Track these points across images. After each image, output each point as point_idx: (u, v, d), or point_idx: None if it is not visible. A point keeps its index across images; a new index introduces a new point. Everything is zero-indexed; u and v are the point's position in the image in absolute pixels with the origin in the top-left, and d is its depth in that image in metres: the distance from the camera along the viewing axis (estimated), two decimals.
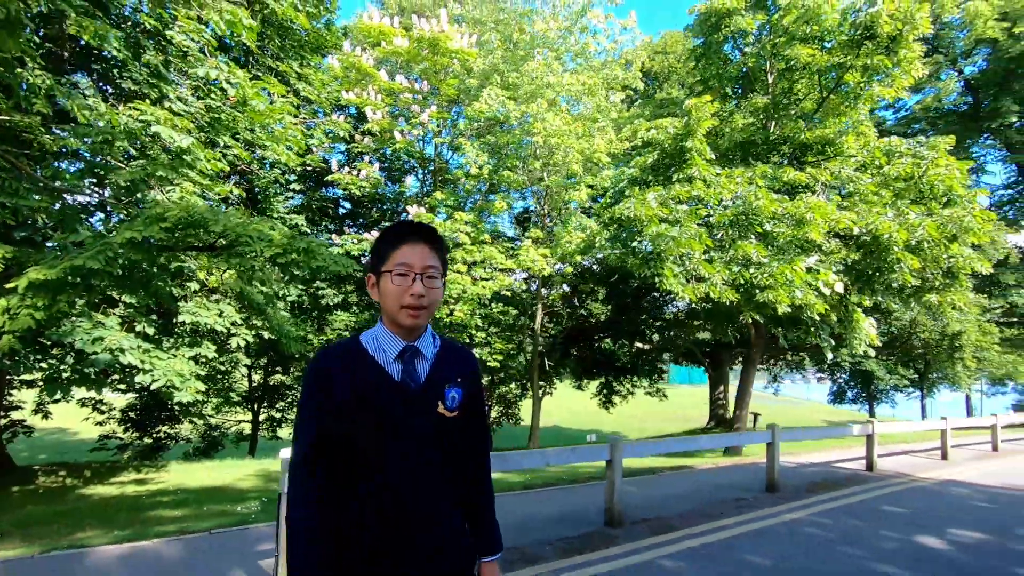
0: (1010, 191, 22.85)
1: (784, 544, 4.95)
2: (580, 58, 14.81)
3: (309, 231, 15.84)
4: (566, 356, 22.14)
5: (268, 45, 14.34)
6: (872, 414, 32.27)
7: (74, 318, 7.57)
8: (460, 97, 14.62)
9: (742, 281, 10.10)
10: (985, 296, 18.30)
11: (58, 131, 6.81)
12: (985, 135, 21.42)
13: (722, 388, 25.04)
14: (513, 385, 22.97)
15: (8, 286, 4.49)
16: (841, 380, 33.29)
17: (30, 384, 14.18)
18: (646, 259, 10.21)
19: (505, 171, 12.88)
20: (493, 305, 13.05)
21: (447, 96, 14.19)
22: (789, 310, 10.10)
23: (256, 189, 14.89)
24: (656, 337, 21.96)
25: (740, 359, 29.52)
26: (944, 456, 10.41)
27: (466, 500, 1.50)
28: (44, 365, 9.34)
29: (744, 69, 12.67)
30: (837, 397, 34.22)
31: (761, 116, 12.97)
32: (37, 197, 5.76)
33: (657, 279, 10.01)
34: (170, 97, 9.67)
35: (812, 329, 11.79)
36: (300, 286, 13.97)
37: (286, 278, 8.34)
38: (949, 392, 35.18)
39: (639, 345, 23.00)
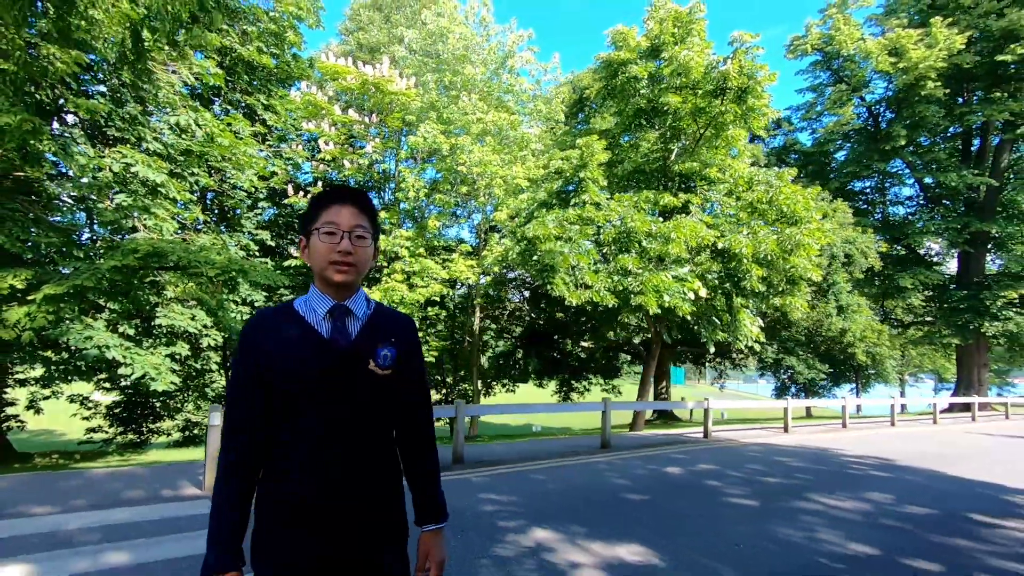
0: (912, 204, 25.46)
1: (569, 472, 7.21)
2: (509, 94, 17.08)
3: (274, 244, 17.95)
4: (528, 355, 24.32)
5: (237, 82, 16.43)
6: (808, 406, 34.80)
7: (69, 321, 9.66)
8: (406, 128, 16.84)
9: (621, 288, 12.39)
10: (867, 298, 20.78)
11: (60, 181, 8.95)
12: (892, 156, 24.00)
13: (664, 383, 27.27)
14: (479, 383, 24.99)
15: (29, 298, 6.59)
16: (785, 377, 35.88)
17: (23, 383, 16.03)
18: (542, 270, 12.48)
19: (438, 195, 15.12)
20: (429, 309, 15.23)
21: (393, 127, 16.41)
22: (659, 311, 12.39)
23: (227, 208, 16.98)
24: (610, 336, 24.13)
25: (687, 357, 32.00)
26: (785, 430, 12.75)
27: (408, 465, 1.48)
28: (45, 358, 11.43)
29: (639, 108, 14.98)
30: (780, 392, 36.79)
31: (658, 147, 15.32)
32: (49, 233, 7.90)
33: (549, 286, 12.29)
34: (147, 139, 11.80)
35: (695, 327, 14.13)
36: (264, 292, 16.06)
37: (228, 289, 10.42)
38: (883, 387, 37.92)
39: (584, 344, 25.30)
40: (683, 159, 14.53)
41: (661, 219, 13.13)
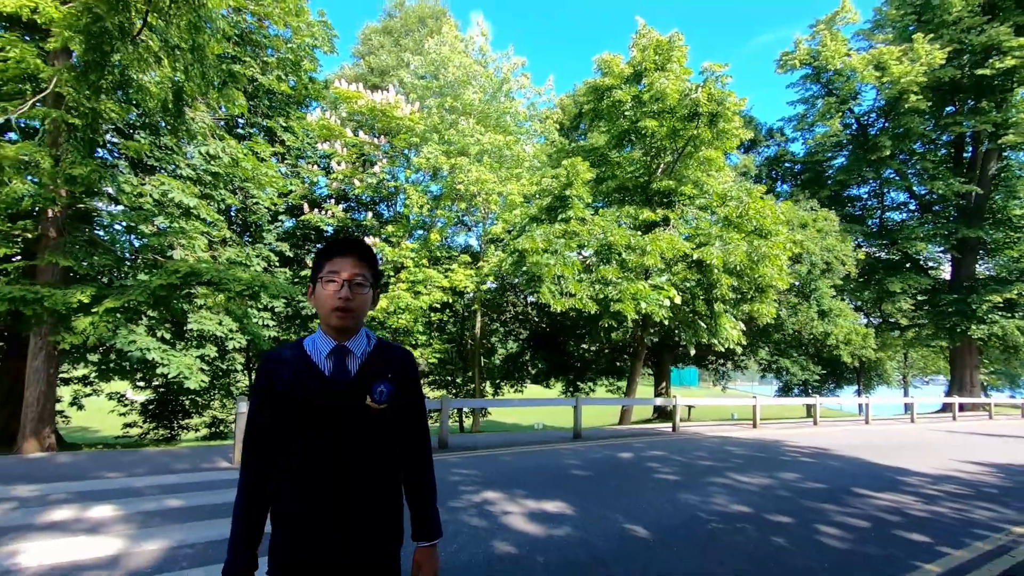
0: (907, 210, 26.27)
1: (535, 456, 8.53)
2: (508, 114, 18.47)
3: (292, 255, 19.55)
4: (535, 357, 25.50)
5: (259, 106, 18.04)
6: (808, 404, 35.52)
7: (117, 328, 11.28)
8: (412, 147, 18.33)
9: (602, 296, 13.66)
10: (864, 302, 21.67)
11: (113, 210, 10.59)
12: (880, 165, 24.84)
13: (664, 384, 28.29)
14: (487, 384, 26.29)
15: (93, 310, 8.12)
16: (787, 379, 36.75)
17: (66, 382, 17.77)
18: (530, 279, 13.81)
19: (440, 210, 16.56)
20: (432, 314, 16.67)
21: (400, 147, 17.91)
22: (637, 317, 13.63)
23: (250, 223, 18.62)
24: (614, 337, 25.02)
25: (689, 359, 32.91)
26: (754, 425, 13.88)
27: (407, 486, 1.64)
28: (94, 360, 13.11)
29: (623, 129, 16.23)
30: (784, 392, 37.65)
31: (641, 165, 16.56)
32: (104, 255, 9.50)
33: (536, 294, 13.61)
34: (181, 166, 13.41)
35: (676, 331, 15.32)
36: (284, 300, 17.64)
37: (251, 301, 12.00)
38: (886, 389, 38.41)
39: (584, 346, 26.49)
40: (663, 177, 15.75)
41: (640, 233, 14.36)
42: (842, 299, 20.92)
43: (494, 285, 19.37)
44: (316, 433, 1.47)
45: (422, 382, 22.06)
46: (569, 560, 4.04)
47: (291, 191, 17.47)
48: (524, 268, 14.02)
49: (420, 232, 18.18)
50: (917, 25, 23.35)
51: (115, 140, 12.54)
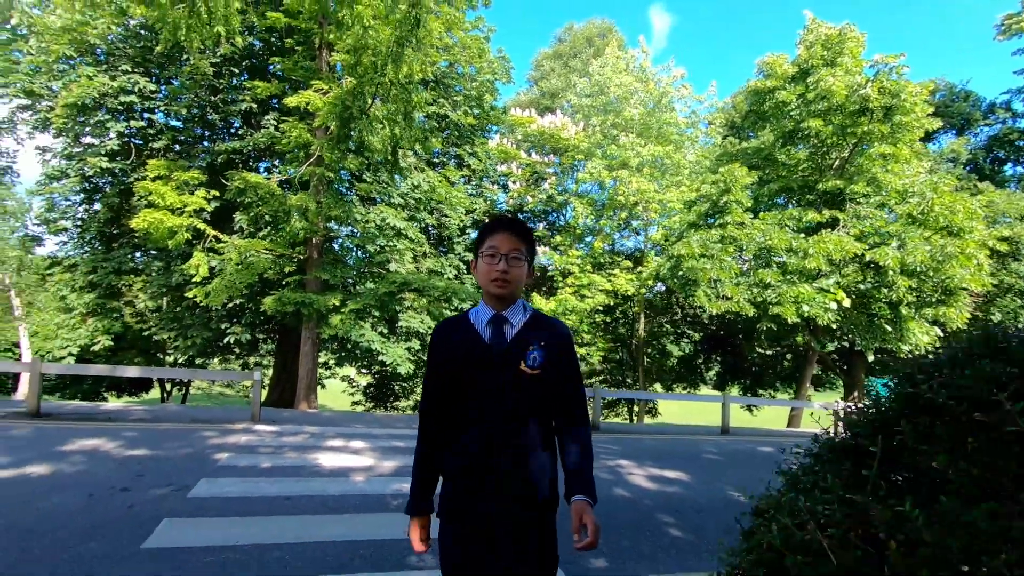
0: None
1: (676, 441, 9.59)
2: (670, 125, 19.21)
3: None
4: (709, 360, 25.46)
5: (450, 138, 21.33)
6: None
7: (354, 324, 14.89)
8: (578, 162, 20.11)
9: (760, 299, 13.88)
10: None
11: (346, 232, 14.19)
12: None
13: (856, 393, 26.10)
14: (657, 386, 26.84)
15: (341, 310, 11.30)
16: None
17: None
18: (685, 283, 14.56)
19: (603, 220, 18.02)
20: (597, 316, 18.20)
21: (567, 163, 19.80)
22: (798, 319, 13.58)
23: (443, 237, 22.12)
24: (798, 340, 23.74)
25: (876, 367, 29.63)
26: None
27: (563, 449, 1.74)
28: (334, 348, 17.13)
29: (788, 130, 15.95)
30: None
31: (806, 165, 16.09)
32: (345, 269, 12.91)
33: (691, 298, 14.33)
34: (393, 196, 16.85)
35: (850, 335, 14.81)
36: (470, 303, 20.70)
37: (445, 304, 14.92)
38: None
39: (760, 350, 25.56)
40: (832, 176, 15.17)
41: (803, 235, 14.15)
42: None
43: (661, 288, 20.15)
44: (475, 394, 1.65)
45: (595, 380, 23.66)
46: (671, 505, 5.31)
47: (475, 208, 20.41)
48: (680, 272, 14.78)
49: (589, 238, 19.86)
50: None
51: (349, 180, 16.44)
